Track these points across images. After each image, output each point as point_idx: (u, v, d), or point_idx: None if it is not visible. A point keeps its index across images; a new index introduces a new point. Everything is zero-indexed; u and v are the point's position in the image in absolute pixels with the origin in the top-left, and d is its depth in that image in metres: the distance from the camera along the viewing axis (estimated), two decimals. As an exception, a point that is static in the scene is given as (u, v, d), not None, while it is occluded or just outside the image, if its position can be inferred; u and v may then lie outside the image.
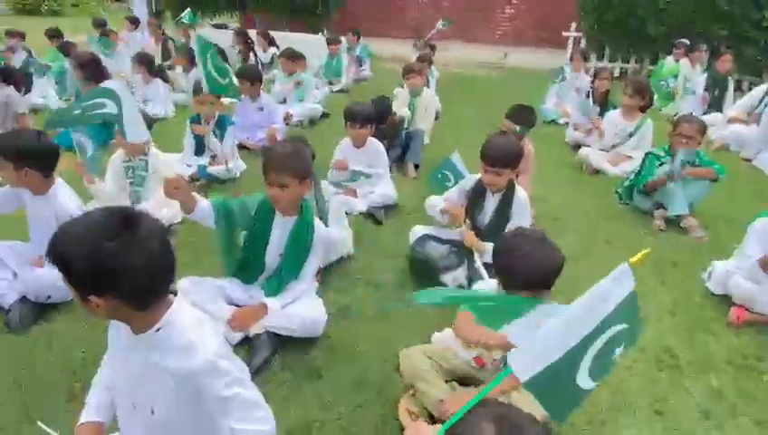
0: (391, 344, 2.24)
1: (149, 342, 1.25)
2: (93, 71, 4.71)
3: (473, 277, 2.65)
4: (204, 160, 4.10)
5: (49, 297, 2.41)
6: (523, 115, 3.40)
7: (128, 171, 3.27)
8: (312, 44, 9.42)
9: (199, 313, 1.35)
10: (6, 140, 2.30)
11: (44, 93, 6.14)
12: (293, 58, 5.74)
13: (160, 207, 3.20)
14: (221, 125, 4.09)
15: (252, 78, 4.73)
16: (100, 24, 8.63)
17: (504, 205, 2.74)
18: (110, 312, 1.19)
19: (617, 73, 10.01)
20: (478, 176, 2.82)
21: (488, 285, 2.39)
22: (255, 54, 7.77)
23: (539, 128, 6.33)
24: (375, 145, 3.69)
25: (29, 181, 2.36)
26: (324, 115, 6.08)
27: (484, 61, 11.72)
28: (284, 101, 5.85)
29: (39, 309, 2.39)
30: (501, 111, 7.22)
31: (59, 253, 1.15)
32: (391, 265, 2.99)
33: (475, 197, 2.82)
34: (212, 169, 4.01)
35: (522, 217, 2.72)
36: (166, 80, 5.97)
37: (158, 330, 1.24)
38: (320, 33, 9.68)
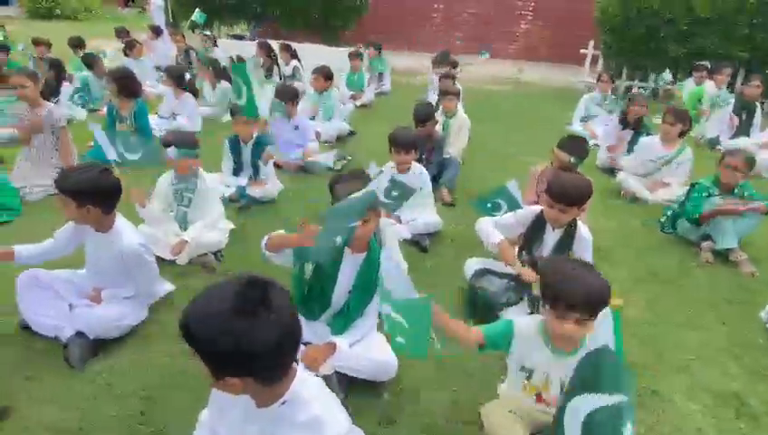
0: (450, 386, 2.20)
1: (273, 416, 1.19)
2: (127, 86, 4.69)
3: (535, 313, 2.60)
4: (243, 181, 4.06)
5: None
6: (577, 146, 3.36)
7: (176, 194, 3.22)
8: (331, 58, 9.44)
9: (321, 381, 1.30)
10: (69, 178, 2.25)
11: (70, 105, 6.12)
12: (329, 77, 5.71)
13: (208, 231, 3.16)
14: (259, 145, 4.05)
15: (290, 97, 4.70)
16: (122, 34, 8.62)
17: (565, 241, 2.69)
18: (244, 389, 1.13)
19: (634, 91, 10.04)
20: (538, 208, 2.78)
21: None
22: (278, 67, 7.76)
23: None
24: (419, 170, 3.65)
25: (91, 218, 2.31)
26: (351, 133, 6.06)
27: (498, 76, 11.75)
28: (312, 119, 5.83)
29: (97, 343, 2.34)
30: (527, 130, 7.27)
31: (193, 334, 1.10)
32: (441, 296, 2.93)
33: (535, 230, 2.77)
34: (252, 191, 3.96)
35: (584, 254, 2.67)
36: (195, 94, 5.93)
37: (283, 403, 1.18)
38: (336, 47, 9.72)
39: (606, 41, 10.09)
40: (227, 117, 6.37)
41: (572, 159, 3.30)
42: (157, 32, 8.99)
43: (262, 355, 1.07)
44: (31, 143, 3.98)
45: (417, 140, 3.56)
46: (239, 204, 3.86)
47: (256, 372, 1.10)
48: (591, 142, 6.33)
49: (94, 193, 2.27)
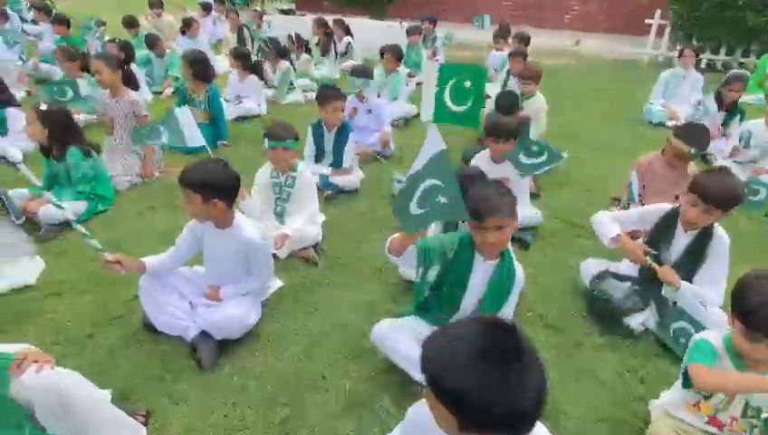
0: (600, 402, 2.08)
1: None
2: (203, 70, 4.62)
3: (667, 320, 2.44)
4: (325, 169, 3.96)
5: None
6: (698, 135, 3.08)
7: (275, 188, 3.16)
8: (378, 32, 9.14)
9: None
10: (195, 173, 2.20)
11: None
12: (400, 57, 5.49)
13: (307, 224, 3.10)
14: (342, 132, 3.92)
15: (362, 73, 4.54)
16: (156, 5, 8.41)
17: (699, 244, 2.49)
18: None
19: (703, 65, 9.40)
20: (667, 206, 2.59)
21: (718, 324, 2.17)
22: (335, 44, 7.55)
23: (646, 130, 6.00)
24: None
25: (216, 213, 2.26)
26: (416, 115, 5.86)
27: (554, 48, 11.17)
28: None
29: (221, 343, 2.32)
30: (599, 108, 6.77)
31: (438, 378, 1.01)
32: (555, 299, 2.81)
33: (664, 230, 2.58)
34: (334, 180, 3.87)
35: (720, 261, 2.46)
36: (261, 75, 5.82)
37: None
38: (381, 20, 9.38)
39: (676, 9, 9.42)
40: (289, 99, 6.29)
41: (692, 150, 3.04)
42: (206, 8, 8.86)
43: (516, 418, 0.98)
44: (114, 133, 3.98)
45: (519, 130, 3.36)
46: (325, 193, 3.78)
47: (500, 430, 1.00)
48: (671, 124, 6.02)
49: (220, 186, 2.21)
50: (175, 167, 4.30)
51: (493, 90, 6.73)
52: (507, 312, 2.20)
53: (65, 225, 3.28)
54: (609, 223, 2.67)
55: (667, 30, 9.77)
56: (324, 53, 7.51)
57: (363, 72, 4.55)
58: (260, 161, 4.40)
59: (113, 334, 2.40)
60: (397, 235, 2.14)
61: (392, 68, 5.56)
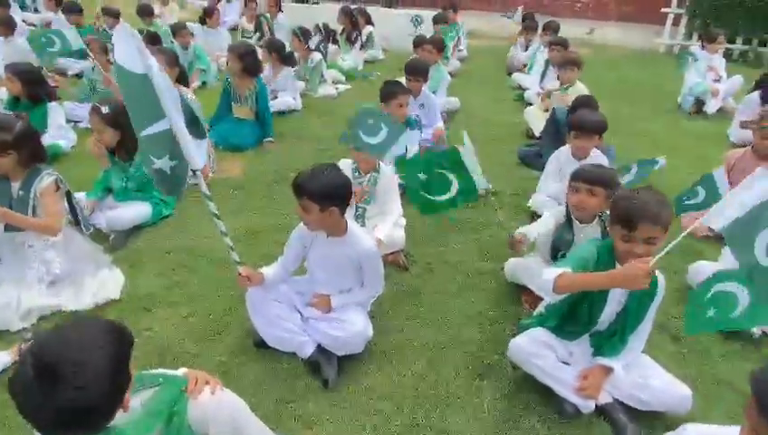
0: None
1: None
2: (252, 63, 4.42)
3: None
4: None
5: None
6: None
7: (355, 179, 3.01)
8: (393, 21, 8.94)
9: None
10: (313, 181, 2.05)
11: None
12: (441, 48, 5.33)
13: (391, 231, 2.96)
14: (410, 125, 3.77)
15: (421, 73, 4.37)
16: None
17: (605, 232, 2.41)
18: None
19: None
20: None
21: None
22: (360, 34, 7.34)
23: (683, 120, 5.95)
24: (598, 154, 3.36)
25: (331, 222, 2.12)
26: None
27: (567, 37, 11.04)
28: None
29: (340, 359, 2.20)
30: (632, 100, 6.62)
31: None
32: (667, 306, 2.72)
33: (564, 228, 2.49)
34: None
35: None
36: (294, 67, 5.60)
37: None
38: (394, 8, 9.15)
39: (695, -2, 9.38)
40: (321, 91, 6.09)
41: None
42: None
43: None
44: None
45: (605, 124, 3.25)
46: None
47: None
48: (712, 110, 5.98)
49: (338, 194, 2.08)
50: (229, 165, 4.13)
51: (527, 82, 6.65)
52: (648, 326, 2.11)
53: (133, 231, 3.11)
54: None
55: (684, 19, 9.72)
56: (348, 42, 7.30)
57: (416, 70, 4.37)
58: (308, 157, 4.30)
59: (221, 351, 2.26)
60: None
61: (433, 60, 5.39)
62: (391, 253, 2.94)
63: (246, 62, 4.32)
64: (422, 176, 2.42)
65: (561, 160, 3.41)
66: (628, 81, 7.69)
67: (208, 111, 4.57)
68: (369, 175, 2.99)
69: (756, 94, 5.08)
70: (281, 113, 5.35)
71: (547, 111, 4.44)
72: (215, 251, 2.93)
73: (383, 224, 2.94)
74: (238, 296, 2.45)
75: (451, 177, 2.44)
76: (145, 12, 7.29)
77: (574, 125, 3.22)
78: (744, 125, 5.14)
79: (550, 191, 3.41)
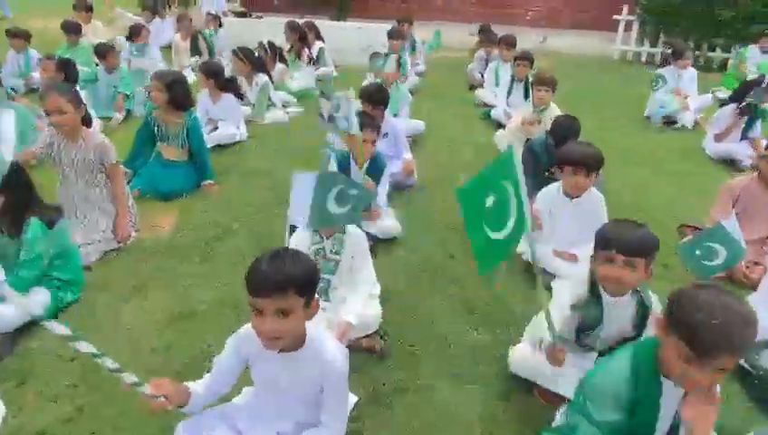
0: None
1: None
2: (181, 93, 3.75)
3: None
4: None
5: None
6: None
7: (317, 256, 2.40)
8: (342, 36, 8.39)
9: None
10: (295, 267, 1.50)
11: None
12: (400, 66, 4.81)
13: (364, 307, 2.36)
14: (376, 166, 3.21)
15: (378, 101, 3.82)
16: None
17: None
18: None
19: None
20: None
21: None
22: (310, 50, 6.73)
23: (658, 134, 5.67)
24: (595, 196, 2.92)
25: (301, 322, 1.52)
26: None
27: (519, 46, 10.86)
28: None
29: None
30: (602, 116, 6.29)
31: None
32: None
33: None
34: (369, 227, 3.14)
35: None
36: (238, 92, 4.92)
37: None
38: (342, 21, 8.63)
39: (644, 4, 9.39)
40: (270, 117, 5.44)
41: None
42: (154, 11, 7.72)
43: None
44: (66, 186, 3.03)
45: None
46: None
47: None
48: (678, 125, 5.78)
49: (316, 280, 1.54)
50: (158, 218, 3.42)
51: (492, 98, 6.25)
52: None
53: (20, 332, 2.36)
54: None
55: (635, 25, 9.74)
56: (298, 58, 6.67)
57: (375, 96, 3.81)
58: (258, 200, 3.66)
59: None
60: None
61: (391, 79, 4.87)
62: (365, 336, 2.35)
63: (174, 93, 3.63)
64: (490, 200, 1.82)
65: (551, 201, 2.94)
66: (586, 89, 7.44)
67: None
68: (332, 239, 2.40)
69: (729, 108, 4.88)
70: (223, 147, 4.66)
71: (529, 139, 3.98)
72: (140, 353, 2.24)
73: (354, 298, 2.34)
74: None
75: (511, 197, 1.79)
76: (71, 29, 6.37)
77: (569, 160, 2.76)
78: (718, 138, 4.94)
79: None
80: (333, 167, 3.14)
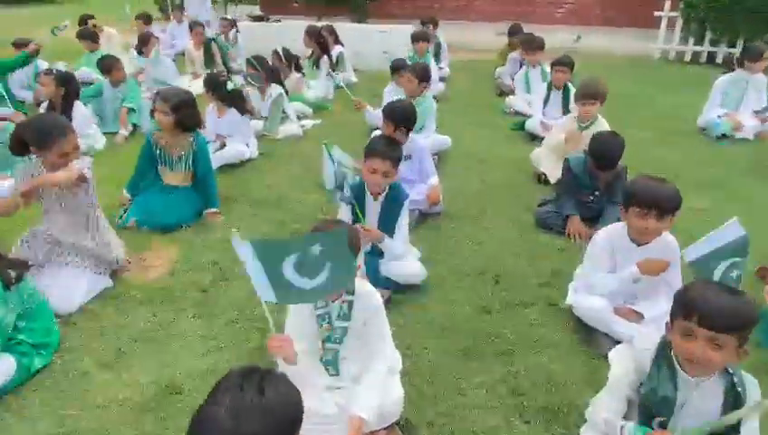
0: None
1: None
2: (189, 116, 3.39)
3: None
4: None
5: None
6: None
7: (321, 323, 1.97)
8: (362, 38, 7.94)
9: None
10: None
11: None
12: (425, 78, 4.35)
13: (382, 392, 1.89)
14: (394, 197, 2.73)
15: (402, 120, 3.35)
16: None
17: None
18: None
19: (719, 60, 8.69)
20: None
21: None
22: (330, 58, 6.31)
23: (708, 146, 5.05)
24: (669, 243, 2.38)
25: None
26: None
27: (550, 47, 10.17)
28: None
29: None
30: (644, 124, 5.71)
31: None
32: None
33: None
34: (389, 271, 2.69)
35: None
36: (243, 106, 4.53)
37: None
38: (363, 23, 8.20)
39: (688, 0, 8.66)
40: (283, 131, 5.04)
41: None
42: (166, 17, 7.42)
43: None
44: (47, 222, 2.66)
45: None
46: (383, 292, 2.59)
47: None
48: (738, 136, 5.14)
49: None
50: (154, 254, 3.04)
51: (525, 107, 5.71)
52: None
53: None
54: None
55: (679, 22, 9.00)
56: (316, 66, 6.26)
57: (399, 115, 3.34)
58: (265, 234, 3.25)
59: None
60: None
61: (416, 91, 4.39)
62: (384, 428, 1.90)
63: (181, 117, 3.24)
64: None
65: (614, 244, 2.42)
66: (626, 94, 6.78)
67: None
68: (339, 301, 1.95)
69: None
70: (231, 166, 4.28)
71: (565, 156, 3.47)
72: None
73: (369, 379, 1.88)
74: None
75: None
76: (87, 36, 6.13)
77: (637, 200, 2.24)
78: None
79: (600, 289, 2.41)
80: (346, 214, 2.71)
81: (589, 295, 2.42)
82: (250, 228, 3.34)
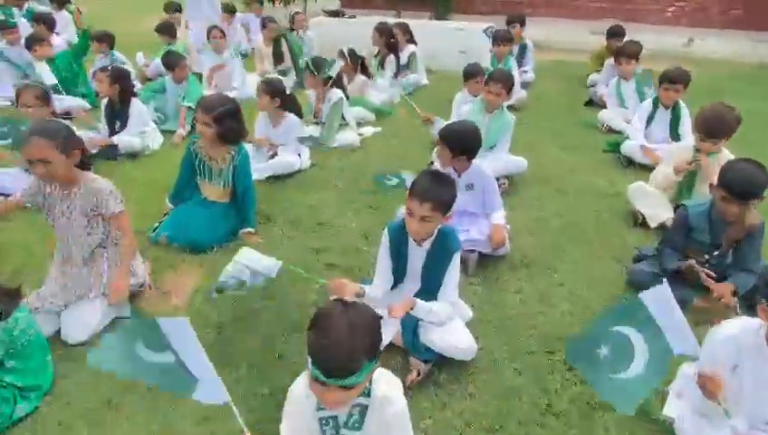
0: None
1: None
2: (233, 127, 3.09)
3: None
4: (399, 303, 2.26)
5: None
6: None
7: (324, 424, 1.51)
8: (443, 37, 7.36)
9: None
10: None
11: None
12: (510, 87, 3.74)
13: None
14: (442, 247, 2.18)
15: (462, 148, 2.79)
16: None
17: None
18: None
19: None
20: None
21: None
22: (398, 58, 5.83)
23: None
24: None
25: None
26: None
27: (658, 50, 8.91)
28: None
29: None
30: None
31: None
32: None
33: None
34: (432, 337, 2.17)
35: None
36: (299, 112, 4.19)
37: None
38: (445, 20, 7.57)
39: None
40: (340, 140, 4.65)
41: None
42: (233, 12, 7.33)
43: None
44: (61, 247, 2.44)
45: None
46: (418, 372, 2.09)
47: None
48: None
49: None
50: (177, 278, 2.78)
51: (622, 123, 4.86)
52: None
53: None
54: None
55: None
56: (379, 66, 5.81)
57: (462, 140, 2.79)
58: (298, 262, 2.83)
59: None
60: None
61: (499, 104, 3.76)
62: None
63: (224, 129, 2.94)
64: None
65: (741, 345, 1.73)
66: (754, 111, 5.59)
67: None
68: (347, 407, 1.48)
69: None
70: (278, 178, 3.95)
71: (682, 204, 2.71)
72: None
73: None
74: None
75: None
76: (165, 30, 6.19)
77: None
78: None
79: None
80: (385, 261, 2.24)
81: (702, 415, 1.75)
82: (282, 254, 2.96)
